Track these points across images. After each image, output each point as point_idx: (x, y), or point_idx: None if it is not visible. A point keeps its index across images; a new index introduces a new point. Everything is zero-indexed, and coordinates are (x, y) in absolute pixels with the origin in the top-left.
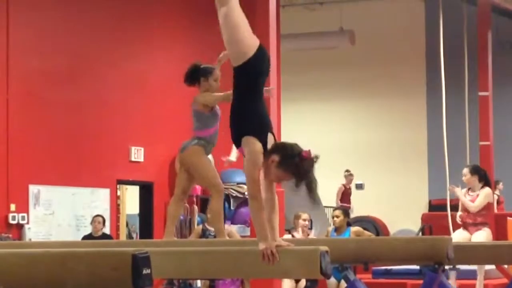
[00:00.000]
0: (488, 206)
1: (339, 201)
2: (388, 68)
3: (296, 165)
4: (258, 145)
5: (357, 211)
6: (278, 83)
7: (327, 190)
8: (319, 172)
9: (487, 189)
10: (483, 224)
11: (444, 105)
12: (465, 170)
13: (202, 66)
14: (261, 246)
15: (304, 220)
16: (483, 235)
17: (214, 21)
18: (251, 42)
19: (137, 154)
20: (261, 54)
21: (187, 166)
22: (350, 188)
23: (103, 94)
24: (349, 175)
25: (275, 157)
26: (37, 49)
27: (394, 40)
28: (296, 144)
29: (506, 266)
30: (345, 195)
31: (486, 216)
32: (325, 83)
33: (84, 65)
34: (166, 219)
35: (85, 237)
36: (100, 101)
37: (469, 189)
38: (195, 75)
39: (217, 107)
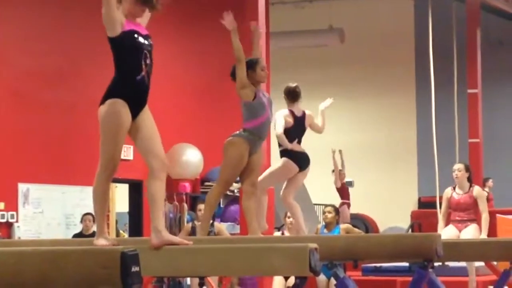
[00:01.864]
0: (476, 203)
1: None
2: (377, 66)
3: None
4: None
5: None
6: (267, 81)
7: (317, 188)
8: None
9: (479, 189)
10: (471, 220)
11: (433, 102)
12: (460, 166)
13: (246, 60)
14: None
15: (289, 217)
16: (471, 232)
17: (204, 22)
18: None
19: (126, 152)
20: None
21: (224, 154)
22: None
23: (93, 94)
24: (340, 172)
25: None
26: (27, 49)
27: (383, 38)
28: None
29: (495, 262)
30: (344, 192)
31: (474, 213)
32: (314, 81)
33: (74, 64)
34: (245, 216)
35: (76, 236)
36: (89, 100)
37: (454, 187)
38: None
39: (267, 95)
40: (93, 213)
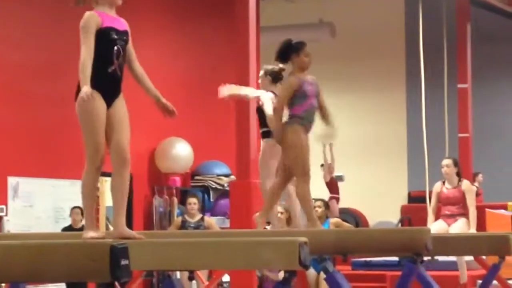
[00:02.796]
0: (464, 197)
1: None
2: (367, 61)
3: None
4: None
5: None
6: (257, 76)
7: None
8: None
9: (468, 183)
10: (461, 215)
11: (423, 97)
12: (448, 161)
13: (293, 42)
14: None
15: (281, 213)
16: (460, 226)
17: (196, 16)
18: None
19: None
20: None
21: (281, 145)
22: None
23: None
24: (330, 166)
25: None
26: (16, 43)
27: (374, 33)
28: None
29: (484, 257)
30: (333, 186)
31: (463, 207)
32: None
33: (64, 58)
34: (302, 206)
35: (65, 229)
36: None
37: (444, 181)
38: (287, 52)
39: (310, 79)
40: (82, 207)
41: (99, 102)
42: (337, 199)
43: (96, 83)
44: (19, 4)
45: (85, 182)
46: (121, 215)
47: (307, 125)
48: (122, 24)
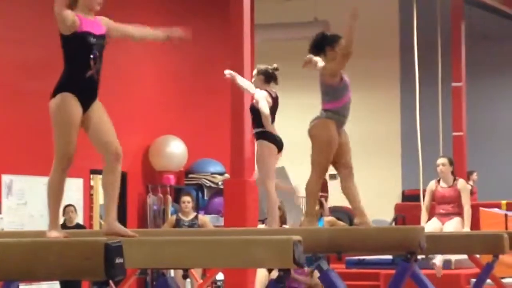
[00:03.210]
0: (460, 196)
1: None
2: (362, 60)
3: None
4: None
5: (331, 201)
6: (251, 74)
7: (302, 181)
8: (294, 163)
9: (464, 182)
10: (456, 214)
11: (417, 95)
12: (444, 160)
13: (328, 34)
14: None
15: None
16: (453, 224)
17: (194, 13)
18: None
19: None
20: None
21: (311, 139)
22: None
23: None
24: None
25: None
26: (9, 39)
27: (368, 31)
28: None
29: (478, 256)
30: (322, 185)
31: (458, 206)
32: (299, 74)
33: (57, 55)
34: (349, 201)
35: None
36: None
37: (439, 180)
38: (321, 44)
39: (346, 77)
40: (47, 205)
41: (75, 107)
42: (326, 198)
43: (73, 88)
44: (13, 2)
45: (52, 182)
46: (114, 211)
47: (341, 119)
48: (99, 27)
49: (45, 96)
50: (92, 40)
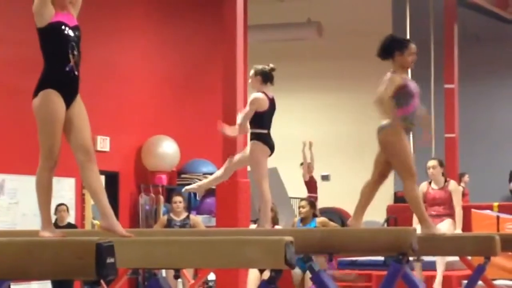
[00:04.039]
0: (451, 198)
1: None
2: (354, 60)
3: None
4: None
5: (323, 202)
6: (244, 75)
7: (293, 181)
8: (286, 163)
9: (455, 184)
10: (447, 215)
11: None
12: (434, 162)
13: (397, 38)
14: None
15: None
16: (445, 226)
17: (182, 14)
18: None
19: (103, 143)
20: None
21: (384, 147)
22: (313, 177)
23: None
24: (309, 165)
25: None
26: (3, 38)
27: (361, 32)
28: None
29: (469, 257)
30: (312, 185)
31: (450, 208)
32: (292, 75)
33: None
34: (359, 200)
35: None
36: None
37: (430, 182)
38: (391, 48)
39: (414, 83)
40: (38, 205)
41: (59, 104)
42: (315, 199)
43: (54, 83)
44: (8, 2)
45: (39, 180)
46: (108, 206)
47: (409, 126)
48: (72, 20)
49: None
50: (68, 30)
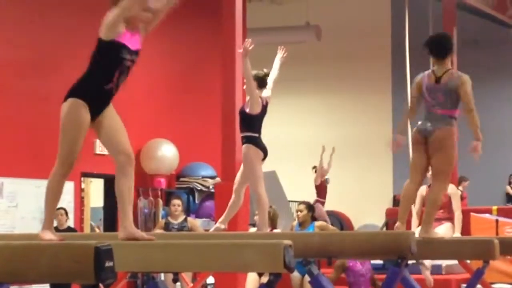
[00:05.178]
0: (451, 202)
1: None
2: (353, 64)
3: None
4: None
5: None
6: (243, 79)
7: (292, 184)
8: (285, 167)
9: (454, 188)
10: (446, 219)
11: (409, 100)
12: None
13: (452, 41)
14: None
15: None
16: (443, 230)
17: (186, 18)
18: None
19: (102, 147)
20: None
21: (439, 145)
22: (324, 181)
23: (67, 85)
24: (322, 169)
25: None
26: (1, 40)
27: (360, 36)
28: None
29: (468, 261)
30: (322, 189)
31: (449, 212)
32: (290, 78)
33: (47, 55)
34: (400, 204)
35: None
36: (63, 91)
37: (429, 185)
38: (448, 51)
39: None
40: (44, 207)
41: (84, 115)
42: (322, 203)
43: (88, 96)
44: (4, 4)
45: (51, 184)
46: (130, 216)
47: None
48: (137, 43)
49: (37, 97)
50: (126, 54)
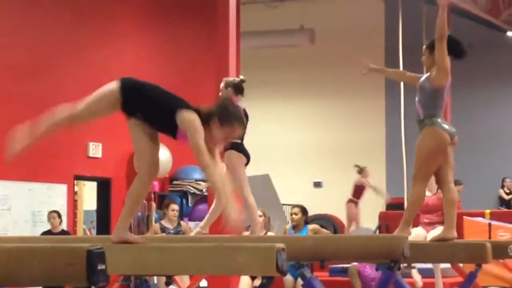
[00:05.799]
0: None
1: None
2: (347, 67)
3: (233, 113)
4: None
5: (315, 209)
6: None
7: (286, 188)
8: (278, 170)
9: None
10: (440, 222)
11: (402, 103)
12: None
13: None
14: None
15: (260, 216)
16: (436, 233)
17: (180, 20)
18: None
19: (95, 149)
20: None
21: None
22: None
23: (62, 88)
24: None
25: (215, 119)
26: None
27: (353, 40)
28: (225, 98)
29: (461, 264)
30: (359, 190)
31: (442, 215)
32: (284, 82)
33: (42, 58)
34: (406, 208)
35: (44, 233)
36: (59, 95)
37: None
38: (461, 53)
39: None
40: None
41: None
42: (355, 203)
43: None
44: (1, 8)
45: (134, 192)
46: (128, 221)
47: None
48: None
49: (30, 99)
50: None
